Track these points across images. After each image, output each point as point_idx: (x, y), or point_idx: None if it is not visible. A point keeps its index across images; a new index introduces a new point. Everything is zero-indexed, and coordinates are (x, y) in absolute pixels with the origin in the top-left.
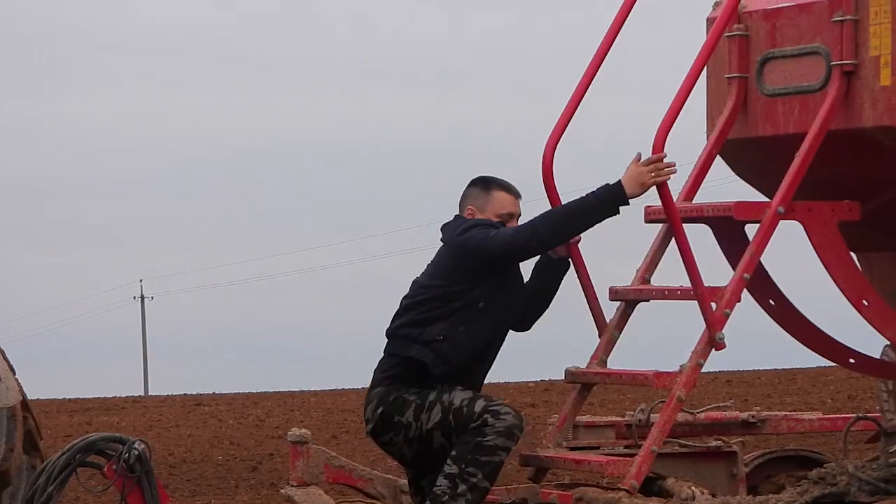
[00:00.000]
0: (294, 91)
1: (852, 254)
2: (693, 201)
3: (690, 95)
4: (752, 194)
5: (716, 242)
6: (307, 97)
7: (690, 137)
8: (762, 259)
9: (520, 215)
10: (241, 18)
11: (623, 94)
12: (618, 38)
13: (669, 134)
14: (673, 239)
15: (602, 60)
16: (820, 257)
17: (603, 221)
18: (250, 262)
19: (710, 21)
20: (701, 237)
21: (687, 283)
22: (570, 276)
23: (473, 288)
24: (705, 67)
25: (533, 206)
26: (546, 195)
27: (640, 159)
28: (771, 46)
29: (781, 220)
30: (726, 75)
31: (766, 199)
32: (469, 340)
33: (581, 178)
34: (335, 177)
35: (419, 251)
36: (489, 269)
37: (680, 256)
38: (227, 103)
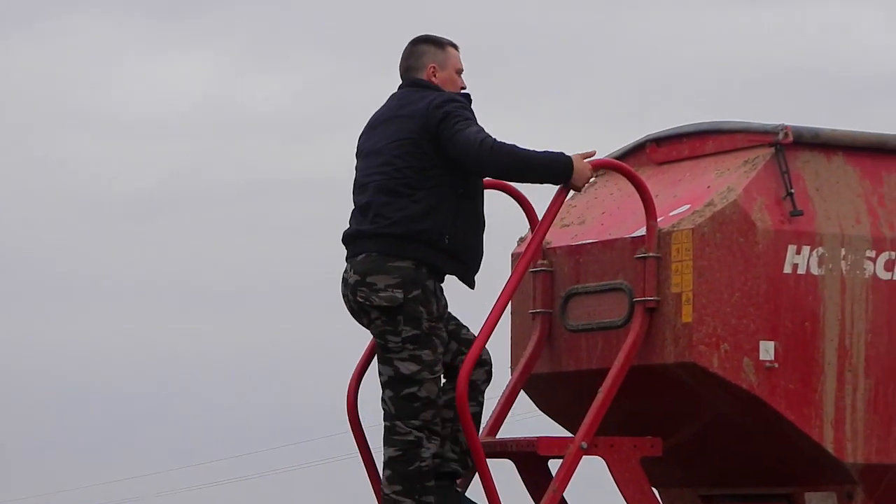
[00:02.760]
0: (108, 314)
1: (654, 490)
2: (497, 436)
3: (495, 330)
4: (556, 429)
5: (519, 478)
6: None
7: (495, 372)
8: (565, 494)
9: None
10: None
11: None
12: None
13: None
14: (476, 474)
15: None
16: (622, 493)
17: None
18: (97, 487)
19: (514, 256)
20: (505, 472)
21: None
22: None
23: (445, 168)
24: (510, 304)
25: None
26: (350, 429)
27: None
28: (575, 282)
29: (584, 456)
30: (531, 310)
31: (570, 435)
32: (469, 229)
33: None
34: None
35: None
36: (448, 157)
37: (483, 492)
38: (42, 323)
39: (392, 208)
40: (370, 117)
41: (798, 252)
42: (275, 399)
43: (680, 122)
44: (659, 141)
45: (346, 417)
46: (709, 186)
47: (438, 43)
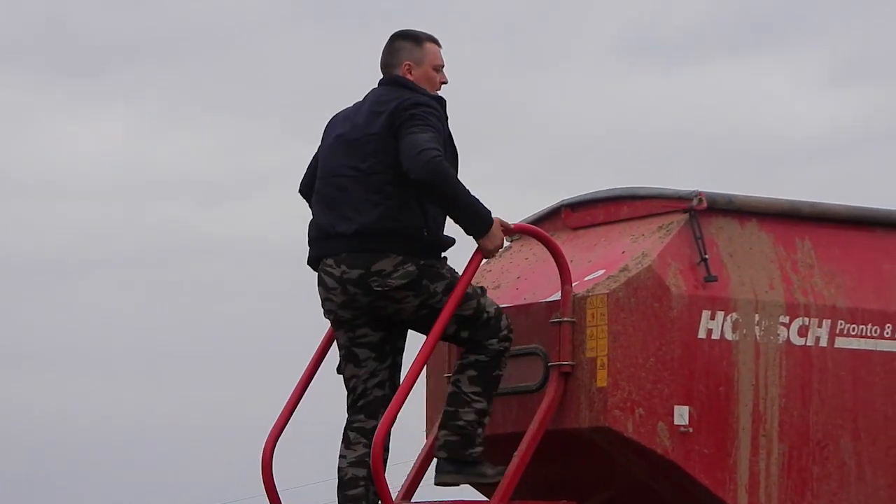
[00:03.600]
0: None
1: None
2: (412, 500)
3: (411, 393)
4: (471, 493)
5: None
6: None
7: (411, 435)
8: None
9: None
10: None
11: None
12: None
13: (391, 431)
14: None
15: (324, 354)
16: None
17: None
18: None
19: None
20: None
21: None
22: None
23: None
24: (425, 366)
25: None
26: (265, 491)
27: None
28: None
29: None
30: (446, 374)
31: (485, 499)
32: (440, 221)
33: (303, 473)
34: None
35: None
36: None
37: None
38: None
39: (367, 205)
40: (343, 109)
41: (712, 317)
42: (191, 461)
43: (595, 188)
44: (574, 206)
45: (261, 480)
46: (623, 252)
47: (416, 39)
